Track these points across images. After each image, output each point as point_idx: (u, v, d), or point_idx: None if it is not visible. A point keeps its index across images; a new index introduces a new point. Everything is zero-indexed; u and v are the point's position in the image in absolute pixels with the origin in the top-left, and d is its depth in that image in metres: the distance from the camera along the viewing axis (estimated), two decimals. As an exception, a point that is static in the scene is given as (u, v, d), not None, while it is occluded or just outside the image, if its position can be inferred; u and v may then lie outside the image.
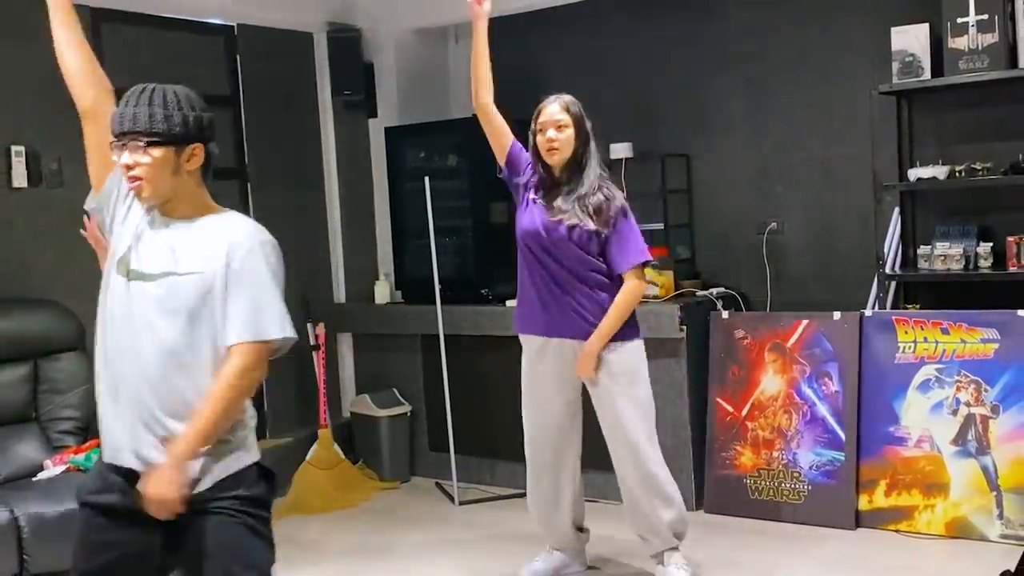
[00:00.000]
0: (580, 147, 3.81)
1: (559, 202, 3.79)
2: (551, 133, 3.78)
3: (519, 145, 3.96)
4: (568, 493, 4.02)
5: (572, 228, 3.76)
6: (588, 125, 3.86)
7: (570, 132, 3.80)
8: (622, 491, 3.96)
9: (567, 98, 3.86)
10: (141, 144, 2.40)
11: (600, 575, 4.21)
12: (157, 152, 2.41)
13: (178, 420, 2.38)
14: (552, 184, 3.85)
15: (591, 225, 3.75)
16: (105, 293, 2.49)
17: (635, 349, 3.89)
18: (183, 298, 2.40)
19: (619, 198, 3.84)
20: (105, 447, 2.47)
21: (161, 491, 2.32)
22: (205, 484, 2.41)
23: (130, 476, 2.40)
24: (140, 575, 2.48)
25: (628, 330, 3.85)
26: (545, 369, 3.90)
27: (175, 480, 2.33)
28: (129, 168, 2.42)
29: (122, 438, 2.41)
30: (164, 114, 2.44)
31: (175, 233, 2.47)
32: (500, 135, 3.95)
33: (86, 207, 2.61)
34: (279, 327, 2.42)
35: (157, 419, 2.39)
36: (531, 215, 3.84)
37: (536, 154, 3.86)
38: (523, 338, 3.96)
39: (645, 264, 3.88)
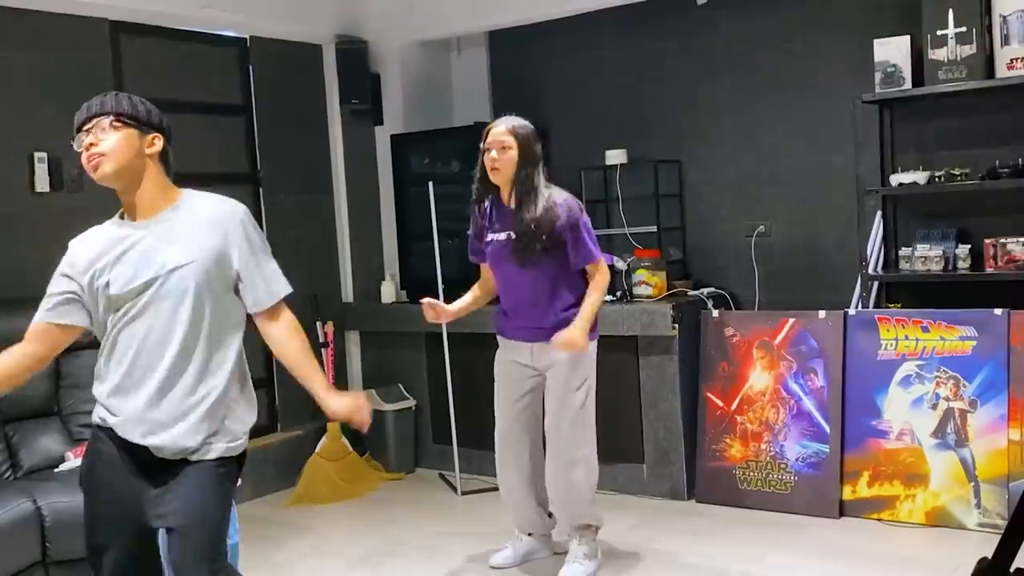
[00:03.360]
0: (523, 169, 3.79)
1: (514, 226, 3.82)
2: (494, 153, 3.79)
3: (475, 239, 4.03)
4: (537, 479, 4.05)
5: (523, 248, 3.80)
6: (537, 149, 3.85)
7: (513, 153, 3.78)
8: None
9: (515, 121, 3.86)
10: (107, 122, 2.44)
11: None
12: (123, 129, 2.45)
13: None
14: (504, 210, 3.87)
15: (544, 241, 3.78)
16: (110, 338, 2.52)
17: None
18: (185, 286, 2.45)
19: (562, 208, 3.82)
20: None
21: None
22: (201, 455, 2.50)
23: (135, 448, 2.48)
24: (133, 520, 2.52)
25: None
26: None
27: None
28: (93, 144, 2.44)
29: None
30: (130, 102, 2.50)
31: (151, 232, 2.48)
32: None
33: (51, 319, 2.54)
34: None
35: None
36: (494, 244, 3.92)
37: (484, 175, 3.87)
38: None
39: (596, 262, 3.90)
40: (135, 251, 2.47)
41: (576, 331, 3.71)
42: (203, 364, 2.50)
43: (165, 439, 2.47)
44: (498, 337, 4.06)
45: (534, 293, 3.86)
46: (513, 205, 3.84)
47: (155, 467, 2.49)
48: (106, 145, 2.43)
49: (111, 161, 2.43)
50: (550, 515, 4.16)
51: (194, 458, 2.49)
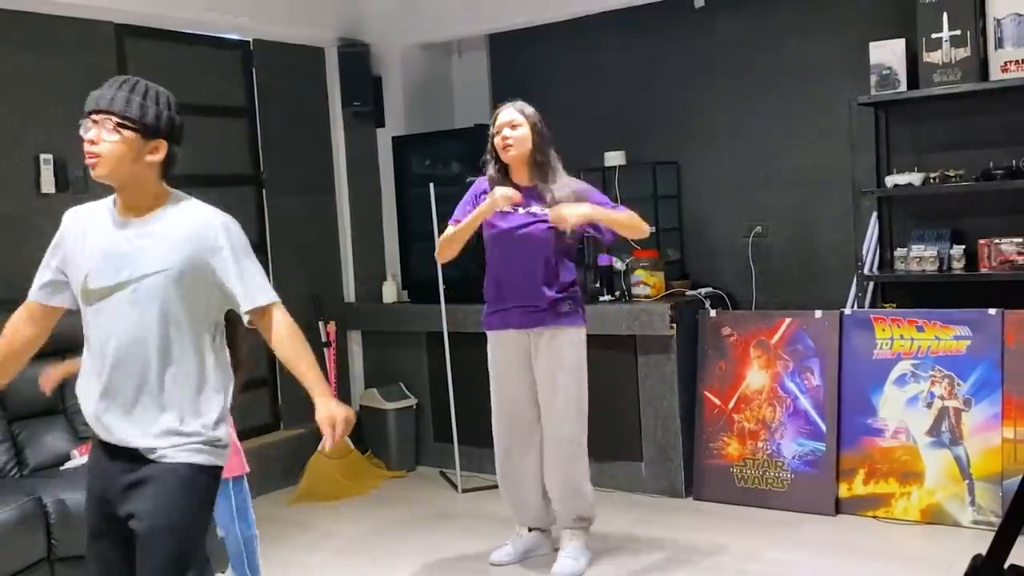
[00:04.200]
0: (538, 149, 3.86)
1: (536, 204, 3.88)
2: (506, 131, 3.84)
3: (465, 204, 4.02)
4: (538, 468, 4.04)
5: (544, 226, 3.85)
6: (545, 128, 3.91)
7: (525, 130, 3.85)
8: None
9: (521, 103, 3.93)
10: (112, 123, 2.37)
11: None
12: (125, 133, 2.38)
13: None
14: (526, 192, 3.89)
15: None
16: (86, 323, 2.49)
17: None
18: (155, 293, 2.40)
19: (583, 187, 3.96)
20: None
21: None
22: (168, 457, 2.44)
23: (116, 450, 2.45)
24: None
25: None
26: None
27: None
28: (92, 143, 2.38)
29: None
30: (140, 103, 2.41)
31: (134, 233, 2.43)
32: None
33: (42, 299, 2.53)
34: None
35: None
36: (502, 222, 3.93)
37: (497, 158, 3.90)
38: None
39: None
40: (116, 248, 2.43)
41: (576, 209, 3.77)
42: (161, 368, 2.43)
43: (118, 436, 2.43)
44: (490, 333, 4.05)
45: (539, 270, 3.86)
46: (535, 183, 3.87)
47: (127, 458, 2.45)
48: (104, 148, 2.37)
49: (105, 165, 2.38)
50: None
51: (153, 458, 2.42)
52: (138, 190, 2.44)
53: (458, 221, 3.95)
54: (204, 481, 2.48)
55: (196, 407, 2.46)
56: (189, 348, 2.46)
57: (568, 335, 3.91)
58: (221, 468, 2.55)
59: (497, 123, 3.88)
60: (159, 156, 2.43)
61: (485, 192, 3.92)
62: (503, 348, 4.02)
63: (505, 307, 3.96)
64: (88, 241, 2.46)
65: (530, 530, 4.18)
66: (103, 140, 2.37)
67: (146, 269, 2.40)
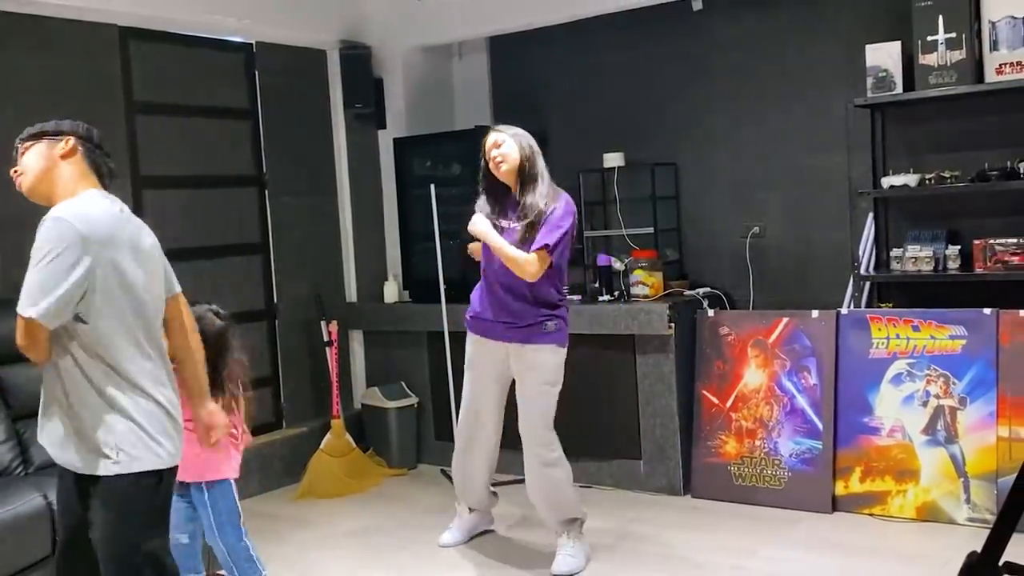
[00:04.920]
0: (526, 159, 3.88)
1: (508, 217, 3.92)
2: (494, 152, 3.90)
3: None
4: (493, 461, 4.23)
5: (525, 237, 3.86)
6: (534, 144, 3.93)
7: (511, 143, 3.89)
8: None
9: (506, 126, 3.98)
10: (21, 149, 2.63)
11: (518, 535, 4.21)
12: (31, 146, 2.62)
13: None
14: (509, 203, 3.94)
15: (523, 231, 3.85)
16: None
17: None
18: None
19: (556, 203, 3.88)
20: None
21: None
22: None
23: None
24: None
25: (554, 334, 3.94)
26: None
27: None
28: (15, 173, 2.63)
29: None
30: (41, 125, 2.66)
31: None
32: None
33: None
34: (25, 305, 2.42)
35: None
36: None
37: (490, 178, 3.95)
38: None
39: (544, 249, 3.84)
40: None
41: (478, 225, 3.87)
42: (54, 375, 2.54)
43: (49, 452, 2.62)
44: (470, 332, 4.13)
45: (518, 289, 3.89)
46: (519, 194, 3.91)
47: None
48: (21, 164, 2.62)
49: (26, 178, 2.62)
50: (494, 493, 4.39)
51: (81, 472, 2.54)
52: (60, 195, 2.64)
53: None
54: (123, 489, 2.58)
55: (78, 416, 2.59)
56: (59, 353, 2.54)
57: (546, 353, 3.93)
58: None
59: (485, 149, 3.95)
60: (69, 150, 2.64)
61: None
62: (480, 354, 4.10)
63: (489, 318, 4.01)
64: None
65: (471, 510, 4.38)
66: (19, 160, 2.68)
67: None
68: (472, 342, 4.13)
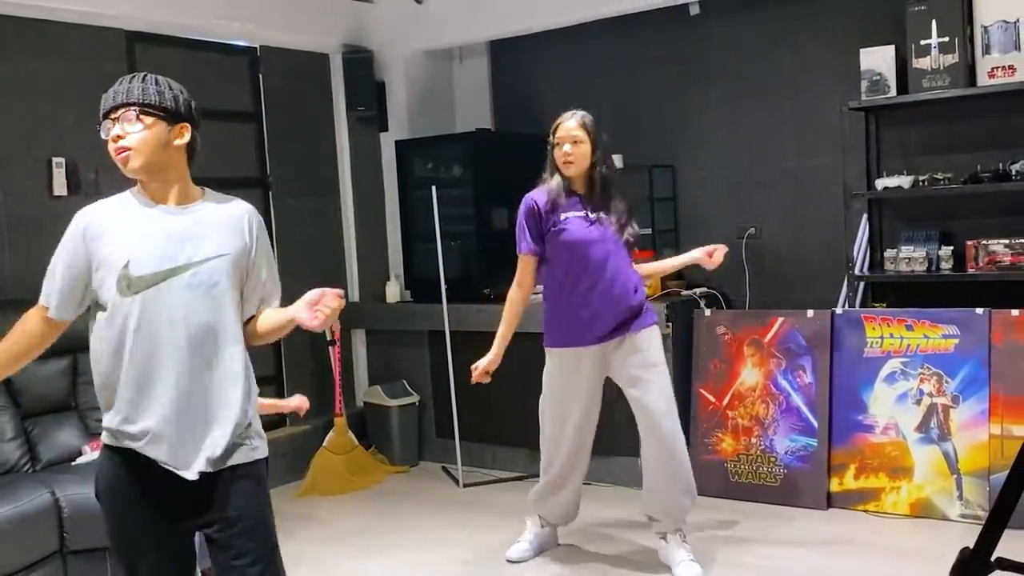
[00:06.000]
0: (600, 162, 3.78)
1: (598, 214, 3.79)
2: (567, 148, 3.73)
3: (531, 225, 3.83)
4: (582, 475, 4.05)
5: (612, 235, 3.79)
6: (603, 140, 3.83)
7: (586, 147, 3.75)
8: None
9: (583, 114, 3.80)
10: (133, 114, 2.28)
11: (578, 550, 4.21)
12: (149, 120, 2.29)
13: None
14: (581, 198, 3.80)
15: (619, 230, 3.81)
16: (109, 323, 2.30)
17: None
18: (216, 279, 2.32)
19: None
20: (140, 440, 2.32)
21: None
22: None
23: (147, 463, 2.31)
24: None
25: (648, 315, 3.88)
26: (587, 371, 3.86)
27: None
28: (119, 138, 2.28)
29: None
30: (157, 90, 2.34)
31: (182, 220, 2.33)
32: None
33: (58, 316, 2.35)
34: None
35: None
36: (575, 229, 3.77)
37: (554, 166, 3.80)
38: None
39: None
40: (171, 232, 2.31)
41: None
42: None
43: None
44: (558, 350, 3.84)
45: (619, 277, 3.79)
46: (595, 191, 3.78)
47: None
48: (133, 139, 2.28)
49: (139, 156, 2.28)
50: None
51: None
52: (174, 176, 2.36)
53: (532, 251, 3.82)
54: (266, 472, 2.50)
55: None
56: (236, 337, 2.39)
57: (652, 333, 3.84)
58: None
59: (558, 135, 3.76)
60: (185, 139, 2.36)
61: (533, 208, 3.79)
62: (578, 363, 3.82)
63: (593, 321, 3.75)
64: (120, 230, 2.31)
65: (543, 526, 4.15)
66: (129, 131, 2.29)
67: (207, 253, 2.32)
68: (560, 359, 3.85)
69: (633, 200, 3.91)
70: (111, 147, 2.32)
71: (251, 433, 2.43)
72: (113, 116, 2.31)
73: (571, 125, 3.76)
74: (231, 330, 2.36)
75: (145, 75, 2.38)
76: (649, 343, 3.81)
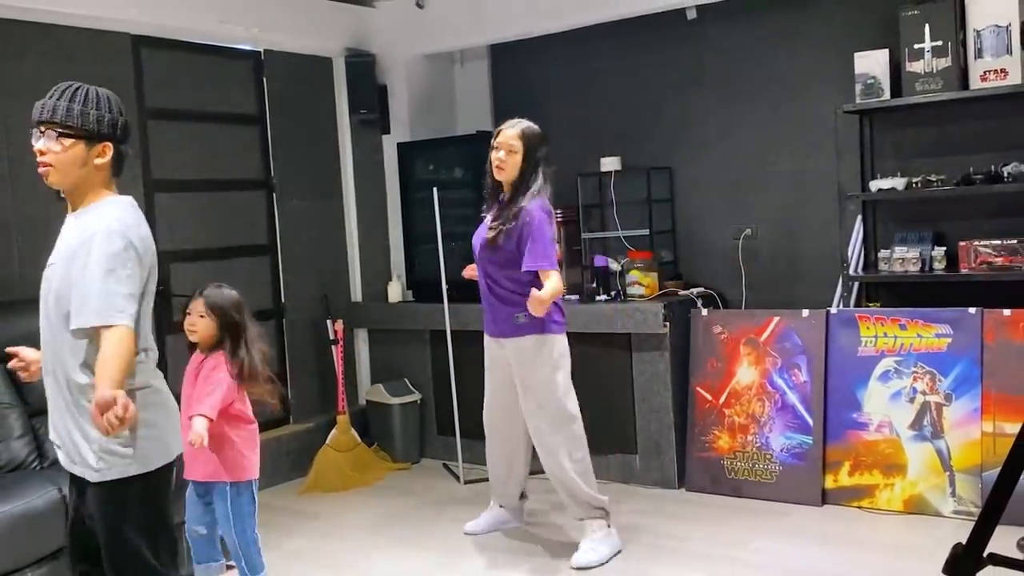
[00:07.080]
0: (527, 172, 3.85)
1: (496, 219, 3.90)
2: (501, 154, 3.83)
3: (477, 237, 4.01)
4: (506, 455, 4.21)
5: (496, 240, 3.85)
6: (540, 152, 3.87)
7: (517, 157, 3.83)
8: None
9: (525, 125, 3.88)
10: (55, 134, 2.39)
11: (537, 530, 4.27)
12: (67, 143, 2.40)
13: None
14: (500, 202, 3.94)
15: (509, 237, 3.82)
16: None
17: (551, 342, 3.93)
18: (53, 286, 2.44)
19: (532, 212, 3.80)
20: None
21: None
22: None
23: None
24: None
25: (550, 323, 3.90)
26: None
27: None
28: (41, 153, 2.41)
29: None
30: (80, 110, 2.41)
31: (66, 226, 2.49)
32: None
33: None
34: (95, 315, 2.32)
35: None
36: (478, 231, 4.01)
37: (490, 168, 3.92)
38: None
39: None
40: (64, 239, 2.49)
41: (541, 295, 3.66)
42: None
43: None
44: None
45: (499, 291, 3.90)
46: (513, 201, 3.89)
47: None
48: (51, 157, 2.41)
49: (57, 173, 2.42)
50: (523, 496, 4.35)
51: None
52: (85, 193, 2.46)
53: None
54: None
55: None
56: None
57: (530, 342, 3.89)
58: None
59: (498, 140, 3.88)
60: (107, 157, 2.45)
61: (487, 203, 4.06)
62: (488, 351, 4.12)
63: (487, 316, 4.05)
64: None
65: (500, 506, 4.36)
66: (50, 151, 2.40)
67: (52, 259, 2.46)
68: (484, 342, 4.13)
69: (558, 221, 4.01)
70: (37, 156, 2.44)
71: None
72: (41, 128, 2.42)
73: (510, 133, 3.85)
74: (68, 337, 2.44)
75: (75, 91, 2.45)
76: (520, 352, 3.91)
